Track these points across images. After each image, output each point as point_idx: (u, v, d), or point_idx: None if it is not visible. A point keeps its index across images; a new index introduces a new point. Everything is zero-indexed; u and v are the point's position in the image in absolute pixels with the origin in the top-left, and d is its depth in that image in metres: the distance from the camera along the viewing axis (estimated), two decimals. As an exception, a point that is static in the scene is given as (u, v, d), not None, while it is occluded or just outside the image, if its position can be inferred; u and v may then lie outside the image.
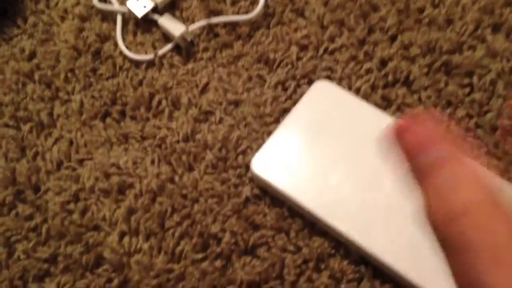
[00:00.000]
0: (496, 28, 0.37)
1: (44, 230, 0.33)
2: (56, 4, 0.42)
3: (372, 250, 0.29)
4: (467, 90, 0.35)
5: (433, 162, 0.19)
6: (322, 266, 0.31)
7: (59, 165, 0.35)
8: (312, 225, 0.32)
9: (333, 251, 0.31)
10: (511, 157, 0.32)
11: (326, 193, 0.31)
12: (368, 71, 0.37)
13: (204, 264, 0.32)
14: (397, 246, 0.29)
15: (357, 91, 0.36)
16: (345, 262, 0.31)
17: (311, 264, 0.31)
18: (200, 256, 0.32)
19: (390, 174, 0.30)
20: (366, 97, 0.36)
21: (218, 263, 0.31)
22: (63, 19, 0.41)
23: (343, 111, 0.34)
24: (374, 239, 0.30)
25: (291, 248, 0.32)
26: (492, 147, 0.33)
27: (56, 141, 0.36)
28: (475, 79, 0.35)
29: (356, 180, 0.32)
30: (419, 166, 0.20)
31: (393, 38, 0.38)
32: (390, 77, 0.36)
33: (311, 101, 0.35)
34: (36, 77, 0.39)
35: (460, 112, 0.34)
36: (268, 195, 0.33)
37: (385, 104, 0.36)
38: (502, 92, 0.35)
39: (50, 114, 0.37)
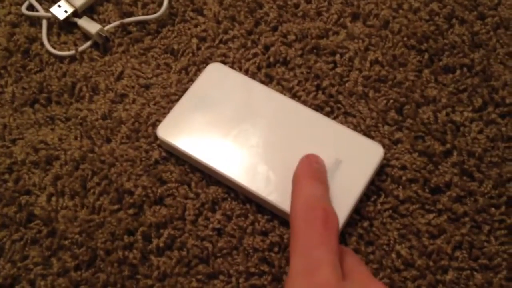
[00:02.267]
0: (355, 17, 0.46)
1: (-18, 197, 0.39)
2: (-11, 13, 0.48)
3: (253, 188, 0.37)
4: (331, 66, 0.44)
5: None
6: (216, 207, 0.38)
7: (-5, 144, 0.42)
8: (209, 177, 0.39)
9: (225, 196, 0.39)
10: (363, 115, 0.41)
11: (217, 150, 0.39)
12: (254, 55, 0.45)
13: (120, 213, 0.38)
14: (273, 183, 0.37)
15: (246, 71, 0.44)
16: (234, 203, 0.38)
17: (207, 206, 0.38)
18: (116, 207, 0.38)
19: (271, 128, 0.38)
20: (253, 75, 0.44)
21: (131, 211, 0.38)
22: (-5, 25, 0.48)
23: (232, 86, 0.42)
24: (255, 180, 0.37)
25: (191, 195, 0.39)
26: (349, 107, 0.42)
27: (-8, 125, 0.42)
28: (337, 57, 0.44)
29: (242, 139, 0.39)
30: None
31: (274, 29, 0.46)
32: (271, 59, 0.44)
33: (205, 79, 0.42)
34: (-28, 74, 0.45)
35: (325, 83, 0.43)
36: (173, 156, 0.40)
37: (268, 80, 0.43)
38: (357, 65, 0.43)
39: (-14, 104, 0.43)
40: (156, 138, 0.41)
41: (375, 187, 0.38)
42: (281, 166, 0.38)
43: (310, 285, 0.28)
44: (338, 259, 0.29)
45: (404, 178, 0.38)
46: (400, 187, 0.38)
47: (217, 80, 0.42)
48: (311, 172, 0.35)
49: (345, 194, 0.36)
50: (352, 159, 0.37)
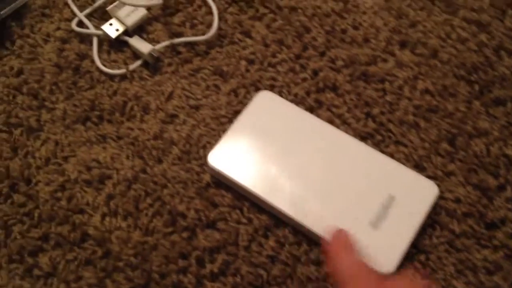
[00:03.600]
0: (403, 45, 0.47)
1: (36, 215, 0.39)
2: (40, 29, 0.49)
3: (303, 221, 0.37)
4: (381, 93, 0.44)
5: None
6: (269, 234, 0.39)
7: (47, 161, 0.42)
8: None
9: (278, 222, 0.39)
10: (414, 145, 0.41)
11: (267, 180, 0.39)
12: (303, 79, 0.45)
13: (173, 236, 0.38)
14: (323, 217, 0.37)
15: (295, 96, 0.44)
16: (287, 230, 0.38)
17: (260, 232, 0.38)
18: (169, 230, 0.39)
19: (320, 161, 0.39)
20: (302, 101, 0.44)
21: (184, 234, 0.38)
22: (46, 41, 0.48)
23: (282, 116, 0.42)
24: (304, 213, 0.37)
25: (244, 220, 0.39)
26: (400, 137, 0.42)
27: (44, 142, 0.43)
28: (387, 84, 0.44)
29: (292, 171, 0.39)
30: None
31: (322, 54, 0.47)
32: (320, 84, 0.45)
33: (255, 107, 0.42)
34: (25, 90, 0.45)
35: (375, 110, 0.43)
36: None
37: (317, 105, 0.44)
38: (407, 94, 0.44)
39: (38, 120, 0.44)
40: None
41: (430, 219, 0.38)
42: (331, 200, 0.38)
43: None
44: None
45: (459, 211, 0.38)
46: (455, 220, 0.38)
47: (267, 108, 0.42)
48: (343, 244, 0.34)
49: (399, 233, 0.36)
50: (406, 197, 0.37)
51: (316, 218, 0.37)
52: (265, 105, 0.42)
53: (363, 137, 0.42)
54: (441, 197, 0.39)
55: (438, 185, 0.39)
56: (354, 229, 0.36)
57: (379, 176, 0.38)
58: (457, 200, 0.39)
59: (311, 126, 0.41)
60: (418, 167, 0.40)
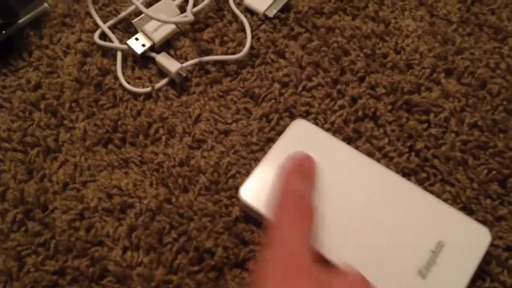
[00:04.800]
0: (449, 73, 0.44)
1: (52, 245, 0.36)
2: (59, 40, 0.46)
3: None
4: (425, 125, 0.41)
5: None
6: (303, 277, 0.35)
7: (65, 186, 0.39)
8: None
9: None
10: (462, 184, 0.38)
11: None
12: (341, 107, 0.42)
13: (199, 276, 0.35)
14: (364, 264, 0.33)
15: (332, 124, 0.41)
16: (323, 273, 0.35)
17: (294, 275, 0.35)
18: (195, 268, 0.36)
19: (360, 200, 0.35)
20: (340, 130, 0.41)
21: (212, 274, 0.35)
22: (66, 53, 0.45)
23: (318, 147, 0.38)
24: (342, 259, 0.34)
25: (276, 261, 0.36)
26: (446, 175, 0.39)
27: (62, 164, 0.40)
28: (431, 116, 0.41)
29: (329, 209, 0.35)
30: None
31: (361, 79, 0.44)
32: (360, 113, 0.42)
33: (289, 137, 0.39)
34: (42, 106, 0.42)
35: (419, 144, 0.40)
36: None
37: (356, 136, 0.41)
38: (454, 128, 0.41)
39: (56, 140, 0.41)
40: (237, 191, 0.38)
41: (478, 269, 0.35)
42: (373, 246, 0.34)
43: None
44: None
45: (510, 261, 0.35)
46: (506, 271, 0.35)
47: (302, 139, 0.39)
48: (299, 169, 0.35)
49: (449, 284, 0.33)
50: (457, 243, 0.34)
51: (357, 264, 0.34)
52: (301, 135, 0.39)
53: (406, 174, 0.39)
54: (490, 244, 0.36)
55: (488, 231, 0.36)
56: (401, 279, 0.33)
57: (426, 219, 0.35)
58: (509, 248, 0.36)
59: (350, 160, 0.38)
60: (466, 210, 0.37)
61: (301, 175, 0.35)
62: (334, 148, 0.38)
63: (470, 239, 0.34)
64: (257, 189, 0.37)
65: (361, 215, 0.35)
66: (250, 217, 0.37)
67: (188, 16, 0.44)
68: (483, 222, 0.37)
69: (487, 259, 0.35)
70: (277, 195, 0.33)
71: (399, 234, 0.34)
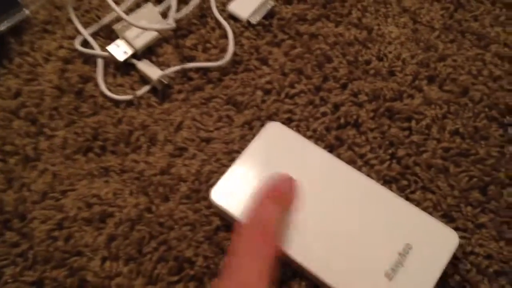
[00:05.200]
0: (431, 80, 0.44)
1: (30, 256, 0.36)
2: (40, 47, 0.45)
3: (310, 268, 0.34)
4: (406, 132, 0.41)
5: None
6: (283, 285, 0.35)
7: (44, 195, 0.38)
8: (275, 250, 0.36)
9: (293, 275, 0.36)
10: (443, 192, 0.38)
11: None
12: (323, 114, 0.42)
13: (179, 286, 0.35)
14: (333, 264, 0.34)
15: (314, 132, 0.41)
16: (303, 284, 0.35)
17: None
18: (175, 278, 0.35)
19: (332, 205, 0.35)
20: (322, 137, 0.41)
21: (191, 284, 0.35)
22: (46, 60, 0.45)
23: (292, 150, 0.38)
24: (312, 259, 0.34)
25: (256, 270, 0.36)
26: (428, 182, 0.39)
27: (41, 173, 0.39)
28: (413, 123, 0.41)
29: (299, 212, 0.35)
30: None
31: (344, 86, 0.43)
32: (342, 120, 0.42)
33: (263, 140, 0.39)
34: (22, 114, 0.42)
35: (401, 152, 0.40)
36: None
37: (338, 143, 0.41)
38: (436, 135, 0.41)
39: (35, 149, 0.40)
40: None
41: (460, 277, 0.35)
42: (343, 248, 0.34)
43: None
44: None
45: (490, 269, 0.35)
46: (486, 279, 0.35)
47: (276, 141, 0.38)
48: (276, 193, 0.34)
49: (416, 285, 0.33)
50: (424, 246, 0.34)
51: (325, 266, 0.34)
52: (275, 137, 0.39)
53: (387, 181, 0.39)
54: (471, 252, 0.36)
55: (468, 238, 0.36)
56: (368, 281, 0.33)
57: (395, 222, 0.35)
58: (489, 256, 0.36)
59: (322, 163, 0.38)
60: (447, 217, 0.37)
61: (274, 201, 0.34)
62: (307, 151, 0.38)
63: (437, 242, 0.34)
64: (228, 191, 0.37)
65: (329, 217, 0.35)
66: (231, 226, 0.37)
67: (170, 23, 0.44)
68: (464, 230, 0.37)
69: (468, 268, 0.35)
70: (244, 218, 0.33)
71: (367, 236, 0.34)
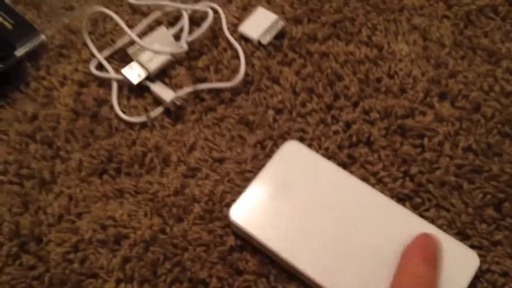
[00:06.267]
0: (442, 96, 0.44)
1: (47, 279, 0.36)
2: (56, 71, 0.46)
3: (325, 285, 0.34)
4: (419, 150, 0.41)
5: None
6: (299, 306, 0.35)
7: (60, 218, 0.39)
8: (289, 270, 0.36)
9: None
10: (457, 209, 0.38)
11: (291, 239, 0.36)
12: (335, 132, 0.42)
13: (194, 307, 0.35)
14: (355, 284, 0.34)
15: (326, 150, 0.41)
16: (318, 302, 0.35)
17: (289, 305, 0.35)
18: (190, 299, 0.36)
19: (351, 223, 0.35)
20: (334, 156, 0.41)
21: (206, 305, 0.35)
22: (62, 84, 0.46)
23: (310, 169, 0.39)
24: (330, 279, 0.34)
25: (271, 290, 0.36)
26: (441, 200, 0.38)
27: (57, 196, 0.40)
28: (425, 140, 0.41)
29: (318, 230, 0.36)
30: None
31: (355, 104, 0.44)
32: (354, 138, 0.42)
33: (281, 158, 0.39)
34: (38, 137, 0.42)
35: (414, 169, 0.40)
36: (249, 244, 0.37)
37: (350, 161, 0.41)
38: (448, 152, 0.41)
39: (51, 172, 0.41)
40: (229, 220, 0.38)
41: (474, 295, 0.34)
42: (362, 268, 0.34)
43: None
44: None
45: (507, 287, 0.35)
46: (503, 298, 0.34)
47: (294, 160, 0.39)
48: (423, 252, 0.34)
49: None
50: (445, 267, 0.34)
51: (339, 282, 0.34)
52: (292, 156, 0.39)
53: (401, 199, 0.39)
54: (487, 270, 0.36)
55: (484, 256, 0.36)
56: None
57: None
58: (505, 274, 0.35)
59: (341, 182, 0.38)
60: (462, 235, 0.37)
61: (422, 257, 0.33)
62: (326, 170, 0.39)
63: (458, 263, 0.34)
64: (247, 210, 0.37)
65: (351, 237, 0.35)
66: (245, 246, 0.37)
67: (182, 46, 0.45)
68: (479, 247, 0.36)
69: (485, 285, 0.35)
70: (400, 279, 0.33)
71: (387, 257, 0.34)
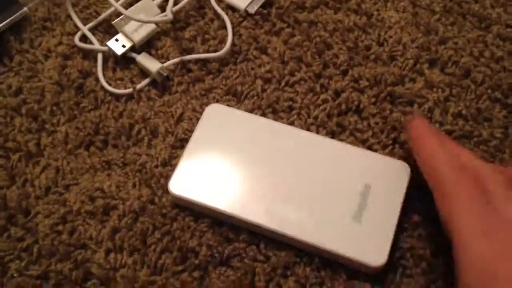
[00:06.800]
0: (432, 63, 0.43)
1: (35, 250, 0.36)
2: (40, 44, 0.46)
3: (283, 231, 0.35)
4: (409, 117, 0.41)
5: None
6: (288, 273, 0.35)
7: (47, 190, 0.39)
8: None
9: (297, 259, 0.35)
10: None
11: (236, 195, 0.36)
12: (324, 101, 0.42)
13: (184, 275, 0.35)
14: (304, 222, 0.35)
15: (315, 119, 0.41)
16: (308, 269, 0.35)
17: (278, 271, 0.35)
18: (180, 268, 0.35)
19: (286, 165, 0.37)
20: (323, 124, 0.41)
21: (196, 273, 0.35)
22: (46, 57, 0.45)
23: (236, 126, 0.39)
24: (282, 221, 0.35)
25: (261, 258, 0.36)
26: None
27: (44, 169, 0.39)
28: (415, 107, 0.41)
29: (259, 180, 0.37)
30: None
31: (344, 72, 0.43)
32: (343, 106, 0.41)
33: (206, 123, 0.39)
34: (23, 111, 0.42)
35: (403, 136, 0.40)
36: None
37: (339, 130, 0.40)
38: (438, 118, 0.40)
39: (38, 145, 0.40)
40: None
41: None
42: (308, 203, 0.36)
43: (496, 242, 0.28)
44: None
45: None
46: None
47: (220, 121, 0.39)
48: (432, 129, 0.35)
49: (382, 221, 0.34)
50: (381, 182, 0.36)
51: (297, 226, 0.35)
52: (218, 118, 0.40)
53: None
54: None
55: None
56: (340, 228, 0.34)
57: (349, 168, 0.37)
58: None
59: (270, 130, 0.39)
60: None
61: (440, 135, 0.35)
62: (253, 123, 0.39)
63: (392, 175, 0.36)
64: (185, 181, 0.37)
65: (293, 178, 0.37)
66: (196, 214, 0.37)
67: (168, 15, 0.44)
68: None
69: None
70: (438, 164, 0.33)
71: (327, 187, 0.36)
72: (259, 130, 0.39)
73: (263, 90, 0.43)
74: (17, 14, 0.46)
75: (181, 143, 0.40)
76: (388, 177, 0.36)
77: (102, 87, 0.43)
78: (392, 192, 0.36)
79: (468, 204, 0.30)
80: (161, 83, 0.43)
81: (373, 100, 0.42)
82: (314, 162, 0.37)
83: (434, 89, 0.42)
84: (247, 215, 0.35)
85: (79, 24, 0.46)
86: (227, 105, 0.42)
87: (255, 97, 0.42)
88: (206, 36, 0.45)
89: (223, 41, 0.45)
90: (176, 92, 0.43)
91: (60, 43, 0.46)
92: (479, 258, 0.28)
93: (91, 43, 0.45)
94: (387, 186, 0.36)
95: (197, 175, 0.37)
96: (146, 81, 0.43)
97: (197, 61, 0.44)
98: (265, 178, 0.37)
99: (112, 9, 0.47)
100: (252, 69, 0.44)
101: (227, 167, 0.37)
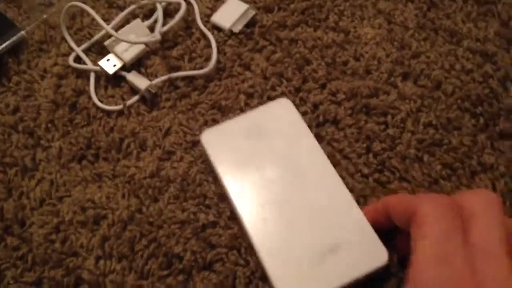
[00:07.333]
0: (405, 76, 0.46)
1: (30, 258, 0.38)
2: (36, 65, 0.48)
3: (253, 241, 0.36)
4: (382, 127, 0.43)
5: None
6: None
7: (42, 202, 0.41)
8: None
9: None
10: (417, 181, 0.40)
11: (243, 183, 0.39)
12: (304, 113, 0.44)
13: (169, 279, 0.37)
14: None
15: (295, 131, 0.43)
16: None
17: (257, 274, 0.37)
18: (165, 272, 0.37)
19: (294, 186, 0.38)
20: (302, 135, 0.43)
21: (180, 277, 0.37)
22: (42, 77, 0.48)
23: (288, 128, 0.41)
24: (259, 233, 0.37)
25: (241, 262, 0.38)
26: (403, 172, 0.40)
27: (39, 182, 0.42)
28: (389, 118, 0.43)
29: (267, 182, 0.39)
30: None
31: (323, 86, 0.46)
32: (321, 118, 0.44)
33: (268, 110, 0.42)
34: (20, 128, 0.44)
35: (377, 145, 0.42)
36: (222, 219, 0.39)
37: (318, 140, 0.43)
38: (410, 127, 0.42)
39: (33, 159, 0.43)
40: (205, 198, 0.40)
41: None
42: (286, 223, 0.37)
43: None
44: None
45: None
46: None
47: (279, 115, 0.42)
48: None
49: (329, 280, 0.34)
50: (352, 252, 0.35)
51: (270, 248, 0.36)
52: (279, 111, 0.42)
53: (365, 174, 0.41)
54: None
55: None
56: (303, 262, 0.35)
57: (338, 222, 0.36)
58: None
59: (307, 151, 0.40)
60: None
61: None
62: (301, 135, 0.41)
63: (367, 254, 0.35)
64: (217, 139, 0.40)
65: (291, 200, 0.38)
66: (218, 222, 0.39)
67: (156, 36, 0.47)
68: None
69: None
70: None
71: (313, 222, 0.36)
72: (302, 143, 0.40)
73: (246, 104, 0.45)
74: (15, 37, 0.49)
75: (168, 156, 0.43)
76: (362, 253, 0.35)
77: (94, 104, 0.46)
78: (354, 266, 0.35)
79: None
80: (149, 100, 0.46)
81: (349, 112, 0.44)
82: (314, 197, 0.37)
83: (407, 101, 0.44)
84: (238, 205, 0.38)
85: (73, 45, 0.49)
86: (212, 119, 0.44)
87: (238, 111, 0.45)
88: (193, 54, 0.48)
89: (208, 59, 0.48)
90: (164, 107, 0.45)
91: (56, 63, 0.48)
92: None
93: (84, 63, 0.48)
94: (354, 258, 0.35)
95: (226, 142, 0.40)
96: (136, 97, 0.46)
97: (184, 78, 0.47)
98: (271, 183, 0.38)
99: (104, 31, 0.49)
100: (236, 84, 0.46)
101: (251, 152, 0.40)
